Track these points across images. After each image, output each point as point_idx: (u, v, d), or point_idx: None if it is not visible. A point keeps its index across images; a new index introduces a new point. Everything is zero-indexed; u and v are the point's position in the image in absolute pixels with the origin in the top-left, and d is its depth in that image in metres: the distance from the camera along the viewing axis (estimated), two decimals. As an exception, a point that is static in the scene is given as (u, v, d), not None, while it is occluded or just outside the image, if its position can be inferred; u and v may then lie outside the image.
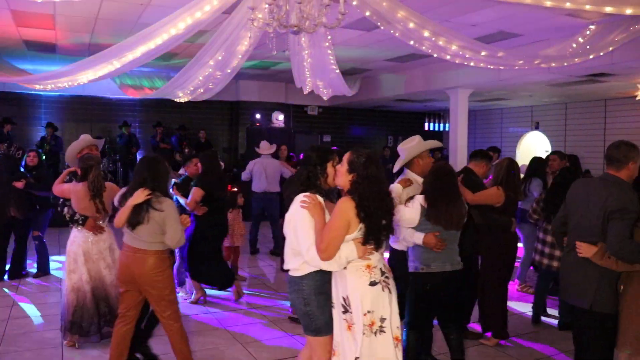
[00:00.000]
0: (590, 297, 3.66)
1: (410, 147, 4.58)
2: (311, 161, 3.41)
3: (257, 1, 5.45)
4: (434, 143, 4.97)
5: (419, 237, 4.15)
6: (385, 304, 3.22)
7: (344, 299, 3.22)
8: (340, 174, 3.32)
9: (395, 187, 4.43)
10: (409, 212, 4.14)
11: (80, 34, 9.68)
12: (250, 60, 11.51)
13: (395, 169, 4.59)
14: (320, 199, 3.31)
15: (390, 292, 3.27)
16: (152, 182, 4.13)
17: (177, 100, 10.52)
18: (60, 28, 9.29)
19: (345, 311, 3.22)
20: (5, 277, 7.60)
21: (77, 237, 5.19)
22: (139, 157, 14.77)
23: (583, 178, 4.82)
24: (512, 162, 5.36)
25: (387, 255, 3.79)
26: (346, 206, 3.17)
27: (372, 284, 3.20)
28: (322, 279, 3.29)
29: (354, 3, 5.83)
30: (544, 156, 8.06)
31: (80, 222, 5.16)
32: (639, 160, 3.70)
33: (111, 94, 14.25)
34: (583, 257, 3.67)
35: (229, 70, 8.23)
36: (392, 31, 6.64)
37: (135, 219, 4.06)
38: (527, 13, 7.86)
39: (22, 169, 7.62)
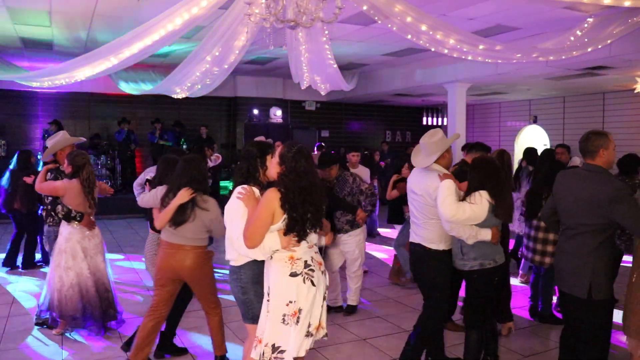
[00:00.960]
0: (586, 286, 3.69)
1: (440, 140, 4.29)
2: (252, 155, 3.55)
3: (254, -4, 5.42)
4: (456, 136, 4.96)
5: (486, 234, 4.05)
6: (304, 296, 3.28)
7: (269, 288, 3.35)
8: (271, 166, 3.48)
9: (449, 184, 4.06)
10: (478, 209, 3.98)
11: (77, 30, 9.65)
12: (247, 56, 11.49)
13: (428, 163, 4.22)
14: (256, 191, 3.45)
15: (313, 284, 3.31)
16: (196, 182, 4.18)
17: (175, 96, 10.50)
18: (56, 25, 9.26)
19: (269, 300, 3.34)
20: (19, 267, 7.93)
21: (73, 233, 5.21)
22: (137, 153, 14.77)
23: (570, 169, 4.79)
24: (501, 153, 5.39)
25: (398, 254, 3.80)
26: (271, 197, 3.28)
27: (293, 274, 3.28)
28: (259, 268, 3.46)
29: (351, -3, 5.82)
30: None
31: (78, 218, 5.19)
32: (609, 145, 3.79)
33: (108, 90, 14.22)
34: (578, 246, 3.74)
35: (226, 66, 8.21)
36: (389, 25, 6.63)
37: (181, 217, 4.12)
38: (524, 6, 7.85)
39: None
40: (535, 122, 16.86)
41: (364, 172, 8.42)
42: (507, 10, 8.15)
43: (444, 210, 3.95)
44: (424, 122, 19.55)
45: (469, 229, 4.02)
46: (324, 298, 3.44)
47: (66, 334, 5.27)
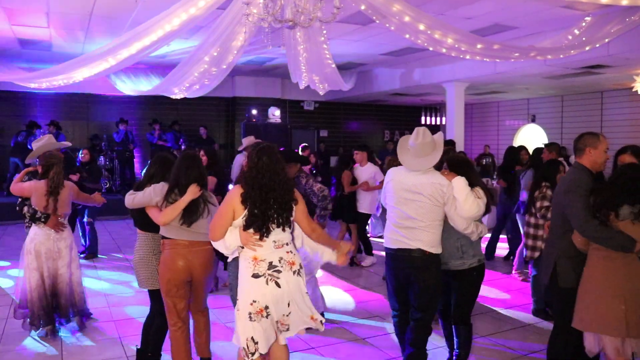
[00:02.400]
0: (549, 273, 3.92)
1: (437, 139, 4.09)
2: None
3: (252, -4, 5.42)
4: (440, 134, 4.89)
5: (485, 229, 4.09)
6: (268, 297, 3.34)
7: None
8: (244, 164, 3.61)
9: (464, 181, 3.92)
10: (483, 204, 3.95)
11: (75, 31, 9.65)
12: (245, 56, 11.48)
13: (434, 162, 3.96)
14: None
15: (278, 285, 3.36)
16: (203, 178, 4.17)
17: (173, 96, 10.50)
18: (54, 26, 9.26)
19: (237, 298, 3.47)
20: None
21: (38, 234, 5.16)
22: (135, 154, 14.76)
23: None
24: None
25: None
26: (233, 193, 3.43)
27: (255, 275, 3.35)
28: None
29: (349, -3, 5.82)
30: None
31: (43, 219, 5.13)
32: (599, 145, 3.91)
33: (107, 91, 14.20)
34: (550, 233, 4.03)
35: (224, 66, 8.21)
36: (387, 25, 6.63)
37: (195, 214, 4.06)
38: (522, 5, 7.86)
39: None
40: (533, 121, 16.89)
41: (368, 172, 8.16)
42: (505, 10, 8.16)
43: (469, 208, 3.83)
44: (423, 122, 19.57)
45: (479, 226, 4.01)
46: (305, 297, 3.50)
47: (59, 333, 5.25)
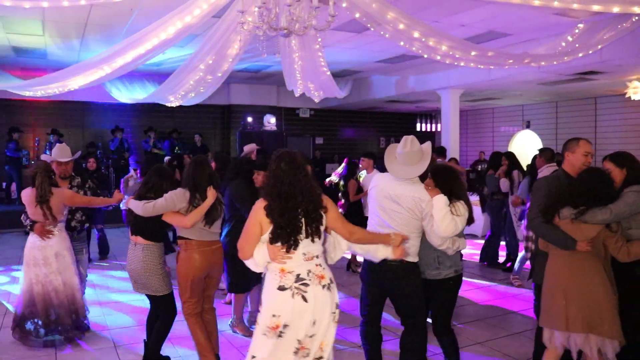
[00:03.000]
0: (531, 271, 4.35)
1: (425, 148, 4.04)
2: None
3: (247, 4, 5.45)
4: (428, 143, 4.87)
5: (464, 243, 4.08)
6: (291, 312, 3.13)
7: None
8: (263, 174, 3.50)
9: (444, 199, 3.86)
10: (463, 220, 3.91)
11: (70, 39, 9.65)
12: (241, 64, 11.51)
13: (421, 171, 3.93)
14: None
15: (304, 300, 3.14)
16: (216, 180, 4.51)
17: (169, 104, 10.51)
18: (49, 34, 9.27)
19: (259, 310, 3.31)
20: None
21: (29, 241, 5.26)
22: (131, 162, 14.73)
23: None
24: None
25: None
26: (257, 206, 3.23)
27: (281, 288, 3.15)
28: None
29: (344, 5, 5.85)
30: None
31: (29, 227, 5.23)
32: (576, 149, 4.12)
33: (102, 99, 14.19)
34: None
35: (219, 74, 8.23)
36: (382, 32, 6.67)
37: (215, 214, 4.42)
38: (516, 12, 7.91)
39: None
40: (528, 127, 16.95)
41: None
42: (499, 17, 8.21)
43: (445, 228, 3.77)
44: (418, 129, 19.60)
45: (456, 241, 3.99)
46: (333, 316, 3.25)
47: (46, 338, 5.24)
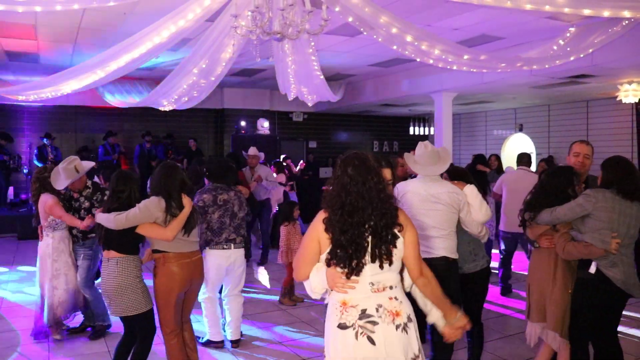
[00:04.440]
0: None
1: (441, 149, 4.33)
2: None
3: (240, 9, 5.46)
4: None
5: (488, 231, 4.32)
6: (354, 356, 2.54)
7: None
8: None
9: (475, 187, 4.15)
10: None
11: (63, 43, 9.63)
12: (234, 67, 11.51)
13: (444, 169, 4.15)
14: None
15: (371, 342, 2.52)
16: (188, 185, 4.25)
17: (162, 108, 10.49)
18: (42, 38, 9.24)
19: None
20: None
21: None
22: (123, 167, 14.68)
23: None
24: None
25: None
26: (316, 219, 2.68)
27: (341, 326, 2.56)
28: None
29: (337, 9, 5.87)
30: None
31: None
32: (569, 151, 4.60)
33: (95, 103, 14.15)
34: None
35: (213, 78, 8.22)
36: (375, 36, 6.68)
37: (192, 222, 4.19)
38: (508, 16, 7.95)
39: None
40: (521, 130, 17.00)
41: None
42: (491, 21, 8.25)
43: (485, 213, 4.04)
44: (411, 132, 19.64)
45: (484, 228, 4.23)
46: None
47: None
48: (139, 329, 4.09)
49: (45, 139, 13.35)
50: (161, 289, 4.08)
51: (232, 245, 5.15)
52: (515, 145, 17.25)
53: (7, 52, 10.27)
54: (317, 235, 2.63)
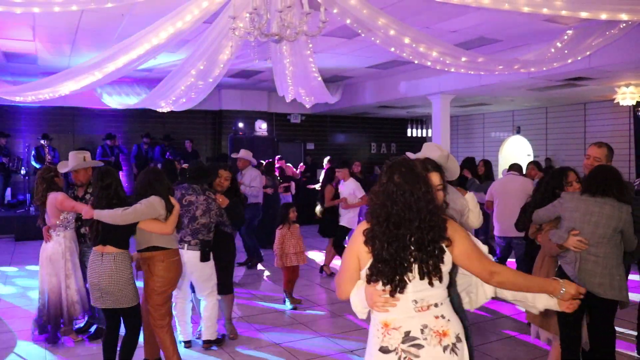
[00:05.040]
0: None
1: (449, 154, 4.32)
2: None
3: (238, 10, 5.46)
4: None
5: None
6: None
7: None
8: None
9: (473, 195, 4.10)
10: None
11: (61, 44, 9.63)
12: (232, 69, 11.51)
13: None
14: None
15: None
16: (172, 190, 4.60)
17: (160, 110, 10.49)
18: (40, 39, 9.24)
19: None
20: None
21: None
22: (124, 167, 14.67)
23: None
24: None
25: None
26: (356, 231, 2.50)
27: (384, 350, 2.36)
28: None
29: (335, 11, 5.88)
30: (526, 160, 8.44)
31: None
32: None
33: (93, 105, 14.15)
34: None
35: (210, 80, 8.23)
36: (372, 38, 6.70)
37: (180, 220, 4.54)
38: (506, 19, 7.96)
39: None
40: (518, 132, 17.03)
41: (349, 188, 8.22)
42: (489, 23, 8.26)
43: (480, 220, 3.97)
44: (409, 134, 19.67)
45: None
46: None
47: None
48: (131, 322, 4.29)
49: (42, 140, 13.33)
50: (161, 282, 4.33)
51: (186, 245, 5.11)
52: (513, 148, 17.30)
53: (5, 53, 10.27)
54: (357, 248, 2.44)
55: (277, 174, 11.69)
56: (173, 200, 4.41)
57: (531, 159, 16.29)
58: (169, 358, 4.42)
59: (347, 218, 8.30)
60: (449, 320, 2.38)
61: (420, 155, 3.99)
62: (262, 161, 11.44)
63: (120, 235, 4.16)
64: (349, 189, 8.23)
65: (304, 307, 6.76)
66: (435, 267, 2.34)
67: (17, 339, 5.58)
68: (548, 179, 4.41)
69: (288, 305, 6.72)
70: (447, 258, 2.39)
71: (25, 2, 5.06)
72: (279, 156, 13.51)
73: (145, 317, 4.49)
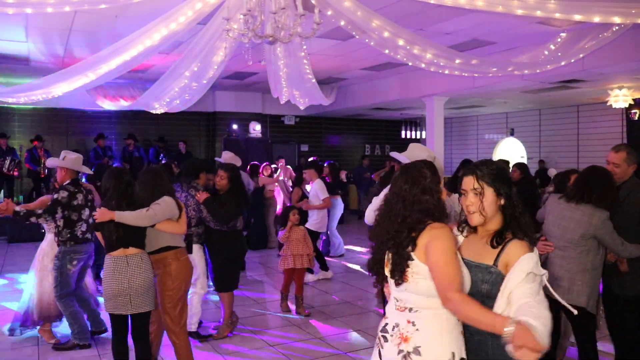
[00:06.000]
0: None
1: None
2: None
3: (232, 12, 5.46)
4: None
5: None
6: None
7: None
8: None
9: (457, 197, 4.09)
10: None
11: (54, 46, 9.59)
12: (226, 71, 11.50)
13: None
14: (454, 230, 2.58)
15: (380, 357, 2.47)
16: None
17: (153, 111, 10.46)
18: (33, 40, 9.19)
19: None
20: None
21: None
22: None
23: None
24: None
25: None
26: None
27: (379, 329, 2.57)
28: None
29: (329, 13, 5.87)
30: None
31: None
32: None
33: (86, 106, 14.11)
34: None
35: (204, 81, 8.21)
36: (367, 40, 6.70)
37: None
38: (500, 21, 7.99)
39: None
40: (512, 134, 17.09)
41: (312, 190, 8.19)
42: (483, 25, 8.29)
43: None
44: (403, 136, 19.70)
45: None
46: None
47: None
48: (144, 328, 4.19)
49: (35, 142, 13.25)
50: (177, 282, 4.29)
51: None
52: (507, 150, 17.35)
53: (-3, 54, 10.22)
54: None
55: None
56: (179, 200, 4.50)
57: (525, 161, 16.35)
58: None
59: (312, 220, 7.94)
60: (417, 329, 2.34)
61: (406, 154, 4.06)
62: (256, 162, 11.44)
63: (141, 236, 4.14)
64: (313, 190, 8.14)
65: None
66: (401, 268, 2.36)
67: (9, 341, 5.54)
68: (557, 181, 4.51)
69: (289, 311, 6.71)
70: (415, 264, 2.35)
71: (18, 2, 5.03)
72: (279, 156, 13.38)
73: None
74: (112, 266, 3.99)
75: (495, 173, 2.40)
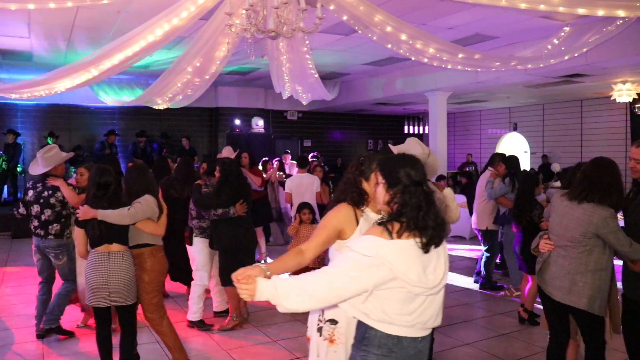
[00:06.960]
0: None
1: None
2: None
3: (235, 7, 5.45)
4: None
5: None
6: None
7: None
8: None
9: (451, 190, 4.33)
10: None
11: (57, 42, 9.59)
12: (228, 66, 11.49)
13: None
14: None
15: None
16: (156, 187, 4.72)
17: (156, 107, 10.47)
18: (35, 36, 9.20)
19: None
20: None
21: None
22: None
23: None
24: None
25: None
26: None
27: None
28: None
29: (331, 7, 5.86)
30: (522, 155, 8.28)
31: None
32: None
33: (89, 102, 14.12)
34: None
35: (207, 77, 8.20)
36: (369, 35, 6.69)
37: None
38: (502, 15, 7.96)
39: None
40: (515, 129, 17.05)
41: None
42: (485, 20, 8.26)
43: (457, 215, 4.18)
44: (406, 131, 19.68)
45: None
46: None
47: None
48: (131, 318, 4.35)
49: (48, 138, 13.21)
50: (153, 276, 4.43)
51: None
52: (510, 145, 17.32)
53: (0, 51, 10.22)
54: None
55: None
56: (161, 200, 4.49)
57: (528, 155, 16.34)
58: (172, 348, 4.55)
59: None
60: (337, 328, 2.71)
61: (402, 149, 4.11)
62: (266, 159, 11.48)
63: (124, 233, 4.22)
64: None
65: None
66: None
67: (15, 336, 5.56)
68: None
69: None
70: None
71: (21, -2, 5.03)
72: (287, 150, 13.36)
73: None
74: (94, 261, 4.12)
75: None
